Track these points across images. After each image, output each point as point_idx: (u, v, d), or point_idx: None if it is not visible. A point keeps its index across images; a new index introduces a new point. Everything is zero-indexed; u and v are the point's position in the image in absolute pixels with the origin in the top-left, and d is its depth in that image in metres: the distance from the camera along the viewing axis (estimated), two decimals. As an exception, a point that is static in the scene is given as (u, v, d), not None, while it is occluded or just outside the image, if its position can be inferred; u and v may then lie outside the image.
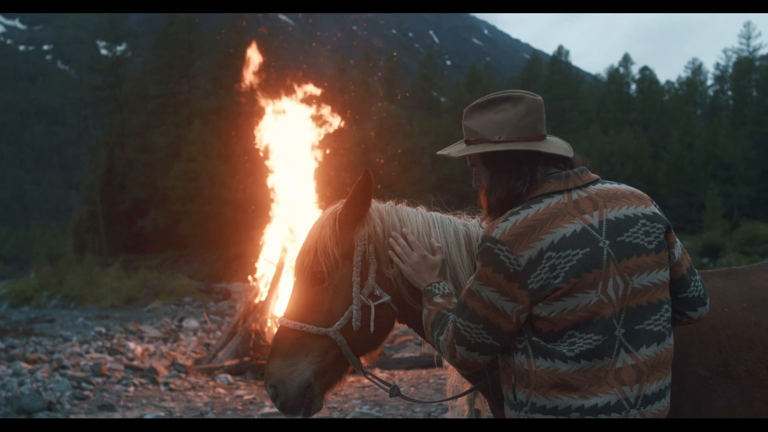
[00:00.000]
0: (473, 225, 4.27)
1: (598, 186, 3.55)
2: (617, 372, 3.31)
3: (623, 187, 3.61)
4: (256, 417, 14.17)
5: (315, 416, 4.23)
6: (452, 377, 4.87)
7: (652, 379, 3.37)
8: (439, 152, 3.91)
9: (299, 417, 4.10)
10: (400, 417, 13.95)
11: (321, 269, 4.05)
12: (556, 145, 3.64)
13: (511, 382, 3.52)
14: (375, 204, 4.20)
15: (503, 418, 3.81)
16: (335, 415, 14.11)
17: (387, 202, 4.29)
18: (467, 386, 4.60)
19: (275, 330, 20.30)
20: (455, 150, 3.76)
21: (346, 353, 4.04)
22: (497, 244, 3.34)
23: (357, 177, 4.02)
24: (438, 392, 15.89)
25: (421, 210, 4.28)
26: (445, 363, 14.31)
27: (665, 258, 3.51)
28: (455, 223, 4.22)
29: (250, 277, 23.08)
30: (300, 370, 4.00)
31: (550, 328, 3.34)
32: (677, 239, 3.66)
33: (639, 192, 3.62)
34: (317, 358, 4.01)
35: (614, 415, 3.29)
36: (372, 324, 3.98)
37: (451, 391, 4.87)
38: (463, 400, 4.77)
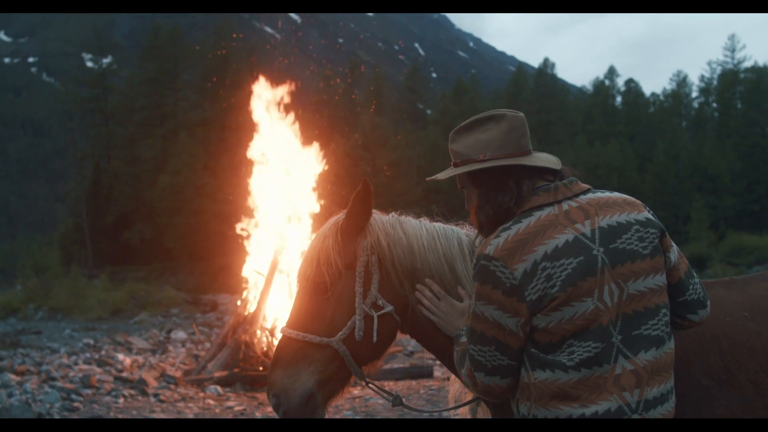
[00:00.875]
0: (474, 235, 4.28)
1: (589, 195, 3.57)
2: (616, 378, 3.31)
3: (615, 195, 3.63)
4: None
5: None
6: (455, 387, 4.86)
7: (652, 384, 3.37)
8: (428, 178, 3.99)
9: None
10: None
11: (324, 279, 4.03)
12: (542, 159, 3.68)
13: (516, 396, 3.53)
14: (378, 215, 4.18)
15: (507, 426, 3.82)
16: (327, 426, 14.07)
17: (390, 214, 4.29)
18: (470, 396, 4.60)
19: (277, 340, 20.36)
20: (443, 173, 3.80)
21: (349, 363, 4.03)
22: (492, 261, 3.37)
23: (346, 188, 4.03)
24: (429, 402, 15.89)
25: (424, 222, 4.27)
26: (437, 374, 14.29)
27: (661, 262, 3.51)
28: (458, 234, 4.21)
29: (244, 290, 23.00)
30: (302, 380, 3.99)
31: (548, 339, 3.35)
32: (673, 243, 3.66)
33: (631, 199, 3.64)
34: (320, 368, 4.00)
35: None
36: (375, 334, 3.97)
37: (453, 400, 4.87)
38: (465, 410, 4.77)
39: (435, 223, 4.26)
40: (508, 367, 3.47)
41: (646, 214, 3.57)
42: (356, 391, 17.73)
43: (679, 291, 3.66)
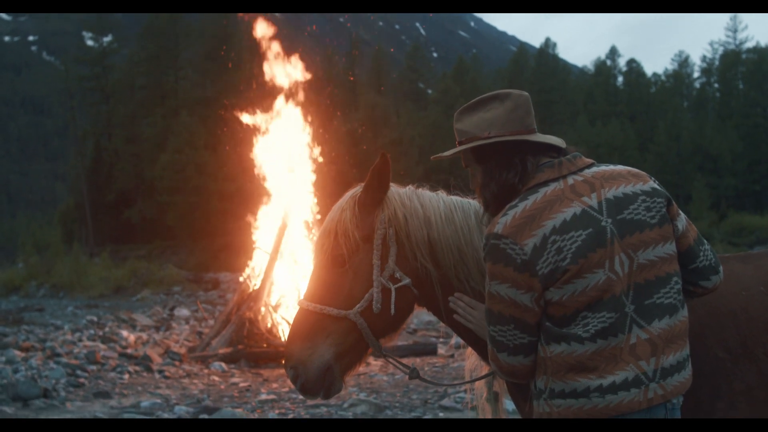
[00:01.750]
0: (482, 212, 4.28)
1: (593, 169, 3.57)
2: (632, 348, 3.31)
3: (619, 167, 3.62)
4: (253, 404, 14.21)
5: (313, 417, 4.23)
6: (471, 360, 4.87)
7: (668, 352, 3.38)
8: (433, 157, 3.98)
9: (319, 399, 4.11)
10: (398, 405, 14.02)
11: (341, 252, 4.03)
12: (547, 137, 3.69)
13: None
14: (395, 188, 4.17)
15: (521, 400, 3.83)
16: (332, 401, 14.14)
17: (407, 187, 4.27)
18: (486, 369, 4.61)
19: (281, 317, 20.42)
20: (449, 152, 3.83)
21: (366, 336, 4.02)
22: (501, 239, 3.36)
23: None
24: (433, 379, 15.90)
25: (442, 194, 4.26)
26: (441, 351, 14.37)
27: (669, 231, 3.52)
28: (475, 207, 4.20)
29: (248, 266, 23.05)
30: (320, 353, 3.98)
31: (562, 312, 3.35)
32: (680, 212, 3.66)
33: (636, 170, 3.63)
34: (337, 340, 4.00)
35: (634, 391, 3.29)
36: (392, 307, 3.96)
37: (469, 374, 4.87)
38: (481, 383, 4.78)
39: (452, 196, 4.26)
40: (529, 344, 3.47)
41: (652, 184, 3.57)
42: (361, 368, 17.77)
43: (689, 258, 3.65)
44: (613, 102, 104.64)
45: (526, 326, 3.43)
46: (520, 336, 3.44)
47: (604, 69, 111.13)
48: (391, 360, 4.39)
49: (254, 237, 24.03)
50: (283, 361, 4.10)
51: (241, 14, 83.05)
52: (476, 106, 3.76)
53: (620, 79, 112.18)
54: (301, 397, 14.94)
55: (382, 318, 4.01)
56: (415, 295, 4.07)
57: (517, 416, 4.14)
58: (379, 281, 3.98)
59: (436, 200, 4.16)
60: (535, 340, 3.47)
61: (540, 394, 3.47)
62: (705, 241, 3.75)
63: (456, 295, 4.02)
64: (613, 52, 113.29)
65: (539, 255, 3.30)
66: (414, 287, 4.05)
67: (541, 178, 3.51)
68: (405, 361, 18.42)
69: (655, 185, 3.57)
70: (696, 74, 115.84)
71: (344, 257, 4.03)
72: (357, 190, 4.18)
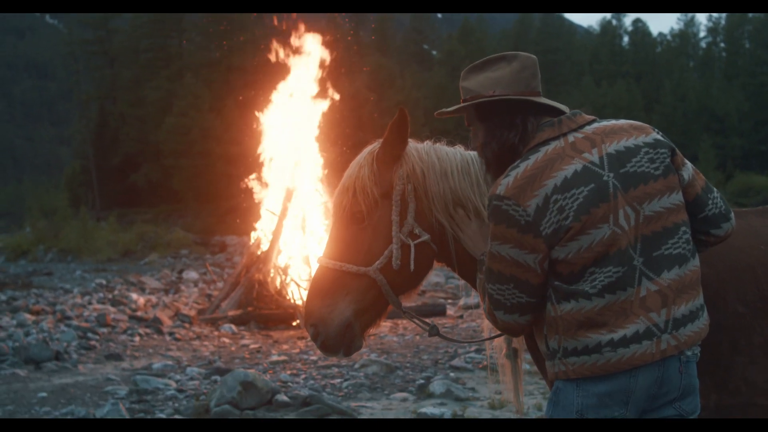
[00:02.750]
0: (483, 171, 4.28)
1: (594, 125, 3.56)
2: (642, 300, 3.32)
3: (621, 121, 3.61)
4: (264, 365, 14.27)
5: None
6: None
7: (679, 302, 3.38)
8: (437, 113, 3.98)
9: (340, 356, 4.11)
10: (408, 365, 14.07)
11: (360, 209, 4.02)
12: (550, 102, 3.69)
13: (543, 333, 3.54)
14: (413, 143, 4.16)
15: (540, 356, 3.84)
16: (344, 362, 14.20)
17: (425, 142, 4.26)
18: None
19: (290, 278, 20.48)
20: (451, 108, 3.83)
21: (386, 292, 4.02)
22: (503, 200, 3.36)
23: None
24: (442, 339, 15.89)
25: (459, 149, 4.25)
26: (450, 312, 14.45)
27: (675, 181, 3.51)
28: None
29: (257, 228, 23.09)
30: (340, 309, 3.98)
31: (569, 270, 3.36)
32: (686, 161, 3.64)
33: (638, 123, 3.62)
34: (357, 297, 4.00)
35: (646, 344, 3.30)
36: (412, 263, 3.95)
37: (488, 331, 4.88)
38: (500, 340, 4.79)
39: (469, 151, 4.25)
40: (527, 304, 3.48)
41: (655, 135, 3.55)
42: (370, 329, 17.84)
43: (698, 207, 3.63)
44: (619, 62, 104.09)
45: (525, 286, 3.44)
46: (518, 295, 3.46)
47: (609, 29, 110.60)
48: (411, 317, 4.40)
49: (261, 198, 24.00)
50: (304, 319, 4.11)
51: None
52: (483, 66, 3.76)
53: (626, 39, 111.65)
54: (314, 357, 15.05)
55: (402, 274, 3.99)
56: (435, 250, 4.07)
57: (536, 374, 4.15)
58: (399, 237, 3.96)
59: (452, 153, 4.14)
60: (533, 300, 3.48)
61: (554, 353, 3.47)
62: (714, 189, 3.73)
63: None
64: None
65: (542, 215, 3.31)
66: (433, 243, 4.04)
67: (542, 138, 3.51)
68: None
69: (658, 136, 3.56)
70: (702, 34, 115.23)
71: (363, 214, 4.02)
72: (375, 146, 4.16)
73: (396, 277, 4.01)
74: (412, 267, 3.96)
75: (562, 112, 3.66)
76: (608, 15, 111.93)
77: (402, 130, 4.00)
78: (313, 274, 4.17)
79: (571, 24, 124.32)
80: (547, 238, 3.32)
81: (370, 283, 4.01)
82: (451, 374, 13.14)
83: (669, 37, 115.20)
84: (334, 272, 4.02)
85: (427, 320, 4.25)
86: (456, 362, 13.87)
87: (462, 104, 3.73)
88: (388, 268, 3.98)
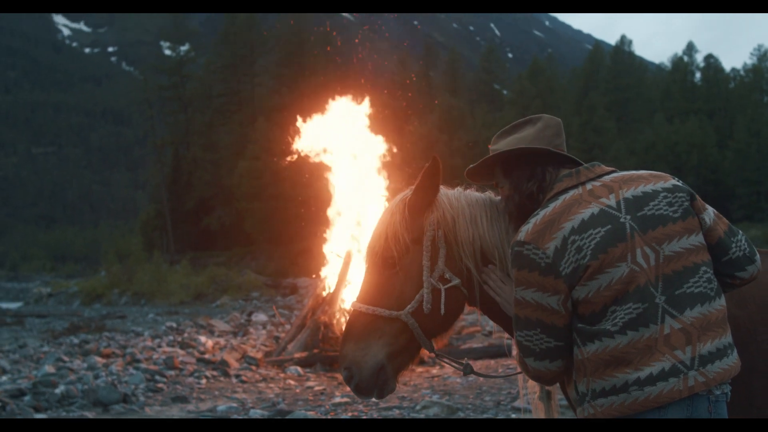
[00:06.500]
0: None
1: (612, 175, 3.68)
2: (666, 338, 3.35)
3: (641, 171, 3.72)
4: (327, 407, 14.34)
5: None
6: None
7: (704, 339, 3.40)
8: (466, 171, 4.13)
9: (373, 399, 4.18)
10: (470, 407, 14.04)
11: (392, 254, 4.08)
12: (570, 155, 3.83)
13: (572, 378, 3.60)
14: (444, 190, 4.22)
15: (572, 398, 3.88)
16: (405, 404, 14.23)
17: (456, 188, 4.34)
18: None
19: (348, 315, 20.60)
20: (477, 163, 4.02)
21: (418, 336, 4.07)
22: (524, 246, 3.48)
23: (421, 169, 4.09)
24: (507, 381, 15.88)
25: (489, 194, 4.33)
26: (515, 353, 14.36)
27: (694, 224, 3.57)
28: None
29: (322, 270, 23.24)
30: (373, 353, 4.04)
31: (591, 310, 3.42)
32: (707, 206, 3.72)
33: (658, 172, 3.72)
34: (390, 340, 4.05)
35: (672, 381, 3.31)
36: (442, 307, 4.00)
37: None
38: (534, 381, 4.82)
39: (499, 197, 4.32)
40: (556, 349, 3.56)
41: (673, 181, 3.65)
42: (435, 371, 17.86)
43: (722, 250, 3.68)
44: (691, 99, 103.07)
45: (552, 330, 3.52)
46: (546, 340, 3.54)
47: (681, 65, 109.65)
48: (442, 359, 4.46)
49: (327, 242, 24.16)
50: (338, 362, 4.18)
51: (315, 25, 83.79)
52: (511, 130, 3.95)
53: (698, 75, 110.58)
54: (375, 399, 15.05)
55: (433, 318, 4.05)
56: (465, 295, 4.12)
57: (570, 413, 4.18)
58: (429, 282, 4.02)
59: (482, 199, 4.22)
60: (561, 344, 3.55)
61: (583, 397, 3.51)
62: (739, 232, 3.78)
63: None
64: (691, 48, 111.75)
65: (561, 256, 3.41)
66: (463, 287, 4.10)
67: (561, 187, 3.65)
68: (480, 362, 18.60)
69: (677, 182, 3.66)
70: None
71: (395, 259, 4.08)
72: (407, 193, 4.23)
73: (427, 321, 4.06)
74: (442, 311, 4.01)
75: (580, 163, 3.77)
76: (679, 51, 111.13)
77: (434, 177, 4.07)
78: (347, 319, 4.25)
79: (641, 61, 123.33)
80: (567, 277, 3.41)
81: (402, 327, 4.06)
82: (512, 415, 13.09)
83: (742, 73, 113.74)
84: (367, 316, 4.10)
85: (485, 364, 4.30)
86: (518, 403, 13.79)
87: (485, 157, 3.89)
88: (420, 312, 4.03)
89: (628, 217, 3.45)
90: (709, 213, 3.69)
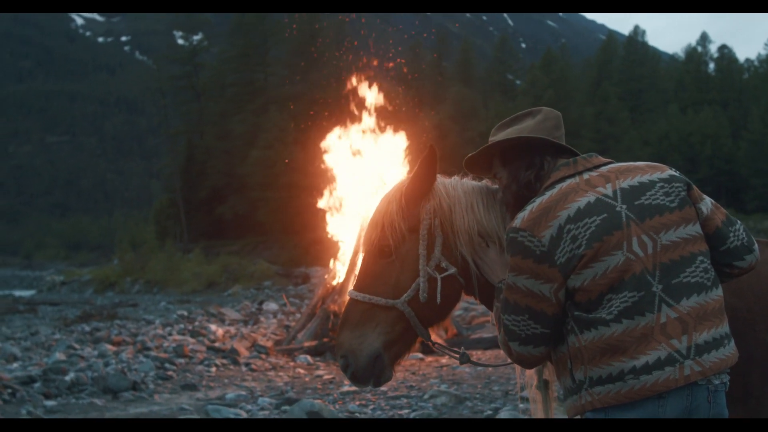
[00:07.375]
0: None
1: (609, 166, 3.72)
2: (662, 327, 3.38)
3: (638, 162, 3.75)
4: (335, 396, 14.38)
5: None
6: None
7: (700, 329, 3.43)
8: (464, 161, 4.19)
9: (369, 387, 4.20)
10: (478, 396, 14.04)
11: (388, 243, 4.11)
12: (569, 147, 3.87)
13: (568, 367, 3.61)
14: (441, 178, 4.26)
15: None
16: (413, 393, 14.26)
17: (453, 177, 4.36)
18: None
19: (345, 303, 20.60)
20: (475, 151, 4.10)
21: (414, 324, 4.09)
22: (519, 232, 3.52)
23: (440, 160, 4.11)
24: (515, 371, 15.84)
25: (486, 183, 4.34)
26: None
27: (691, 213, 3.60)
28: None
29: (331, 261, 23.27)
30: (369, 341, 4.06)
31: (587, 298, 3.45)
32: (704, 196, 3.75)
33: (655, 163, 3.76)
34: (386, 329, 4.07)
35: (668, 369, 3.34)
36: (439, 296, 4.02)
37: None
38: (531, 371, 4.81)
39: (496, 185, 4.33)
40: (541, 335, 3.58)
41: (670, 171, 3.69)
42: (444, 360, 17.88)
43: (719, 240, 3.70)
44: (705, 89, 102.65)
45: (540, 317, 3.54)
46: (533, 326, 3.57)
47: (695, 56, 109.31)
48: (439, 348, 4.49)
49: (336, 231, 24.18)
50: (335, 350, 4.22)
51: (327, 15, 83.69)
52: (511, 121, 4.04)
53: (711, 65, 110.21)
54: (384, 388, 15.10)
55: (429, 307, 4.08)
56: (461, 283, 4.15)
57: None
58: (426, 271, 4.05)
59: (479, 187, 4.25)
60: (547, 332, 3.58)
61: (581, 385, 3.54)
62: (737, 222, 3.80)
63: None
64: (704, 38, 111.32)
65: (556, 245, 3.44)
66: (460, 276, 4.12)
67: (557, 176, 3.70)
68: (489, 353, 18.63)
69: (674, 173, 3.70)
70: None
71: (391, 248, 4.12)
72: (403, 181, 4.27)
73: (424, 310, 4.10)
74: (438, 300, 4.04)
75: (577, 153, 3.81)
76: (693, 42, 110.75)
77: (431, 166, 4.11)
78: (344, 307, 4.27)
79: (655, 51, 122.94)
80: (561, 266, 3.44)
81: (399, 316, 4.09)
82: (521, 405, 13.10)
83: (756, 63, 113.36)
84: (363, 305, 4.12)
85: (493, 354, 4.31)
86: (526, 393, 13.77)
87: (483, 146, 3.95)
88: (416, 300, 4.06)
89: (624, 206, 3.49)
90: (706, 203, 3.73)
